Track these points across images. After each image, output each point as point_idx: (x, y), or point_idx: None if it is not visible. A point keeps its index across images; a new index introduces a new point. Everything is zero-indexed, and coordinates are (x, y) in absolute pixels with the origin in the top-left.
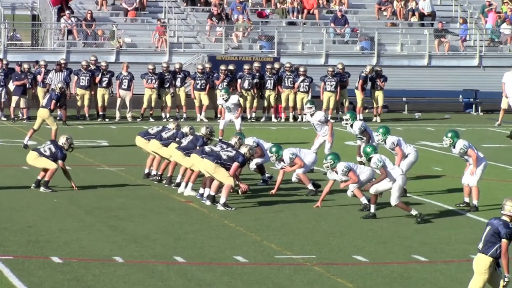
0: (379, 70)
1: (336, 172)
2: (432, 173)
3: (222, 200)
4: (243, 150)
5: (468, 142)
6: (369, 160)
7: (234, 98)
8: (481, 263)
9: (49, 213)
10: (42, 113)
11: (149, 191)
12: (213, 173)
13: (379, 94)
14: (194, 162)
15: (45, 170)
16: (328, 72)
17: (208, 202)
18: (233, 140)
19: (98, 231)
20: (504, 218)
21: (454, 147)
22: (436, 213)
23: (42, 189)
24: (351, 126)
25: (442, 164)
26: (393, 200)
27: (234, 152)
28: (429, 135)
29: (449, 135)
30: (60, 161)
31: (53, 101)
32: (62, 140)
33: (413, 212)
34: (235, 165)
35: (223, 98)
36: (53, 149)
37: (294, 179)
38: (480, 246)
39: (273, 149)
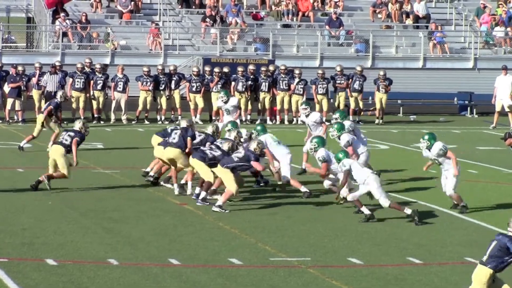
0: (383, 74)
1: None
2: (426, 175)
3: (219, 202)
4: (253, 146)
5: (445, 144)
6: None
7: (234, 100)
8: (482, 274)
9: (44, 215)
10: (41, 119)
11: (144, 193)
12: (220, 175)
13: (382, 97)
14: (201, 170)
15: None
16: (318, 75)
17: (200, 203)
18: (232, 135)
19: (93, 233)
20: (511, 234)
21: (430, 150)
22: (431, 215)
23: (42, 177)
24: None
25: (436, 167)
26: (384, 202)
27: (243, 152)
28: None
29: (426, 137)
30: (75, 139)
31: (50, 107)
32: (78, 125)
33: (407, 211)
34: (255, 164)
35: (223, 100)
36: (72, 133)
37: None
38: (484, 259)
39: (258, 127)
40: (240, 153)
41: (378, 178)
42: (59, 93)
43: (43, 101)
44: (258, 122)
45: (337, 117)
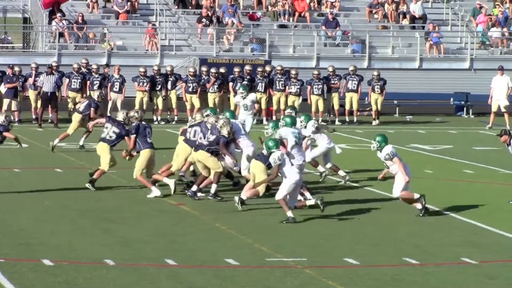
0: (377, 74)
1: None
2: (423, 176)
3: (243, 196)
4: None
5: (395, 150)
6: (269, 154)
7: (252, 96)
8: None
9: (40, 216)
10: (76, 118)
11: (140, 194)
12: (255, 170)
13: (378, 98)
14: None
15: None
16: (313, 75)
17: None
18: (221, 121)
19: (89, 234)
20: None
21: (380, 151)
22: (428, 215)
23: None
24: (305, 127)
25: (433, 167)
26: (278, 195)
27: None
28: (420, 138)
29: (377, 139)
30: (131, 136)
31: (92, 109)
32: (121, 116)
33: (311, 202)
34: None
35: (242, 96)
36: (117, 130)
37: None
38: None
39: (227, 113)
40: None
41: (297, 178)
42: (96, 93)
43: (39, 102)
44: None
45: (302, 120)
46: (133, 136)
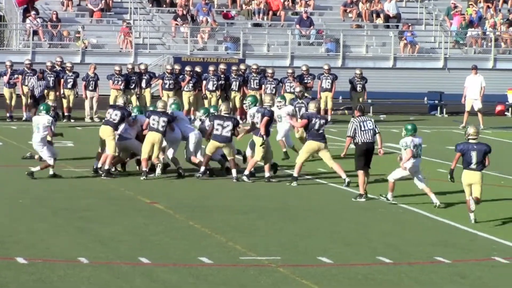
0: (359, 73)
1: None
2: None
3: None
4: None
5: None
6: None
7: (289, 108)
8: None
9: (15, 213)
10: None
11: (115, 192)
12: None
13: (360, 96)
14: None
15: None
16: (287, 74)
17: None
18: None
19: (64, 232)
20: None
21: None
22: (402, 215)
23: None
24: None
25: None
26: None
27: None
28: (393, 137)
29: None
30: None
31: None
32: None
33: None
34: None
35: (278, 106)
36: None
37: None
38: None
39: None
40: None
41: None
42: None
43: (13, 100)
44: None
45: (248, 103)
46: None
